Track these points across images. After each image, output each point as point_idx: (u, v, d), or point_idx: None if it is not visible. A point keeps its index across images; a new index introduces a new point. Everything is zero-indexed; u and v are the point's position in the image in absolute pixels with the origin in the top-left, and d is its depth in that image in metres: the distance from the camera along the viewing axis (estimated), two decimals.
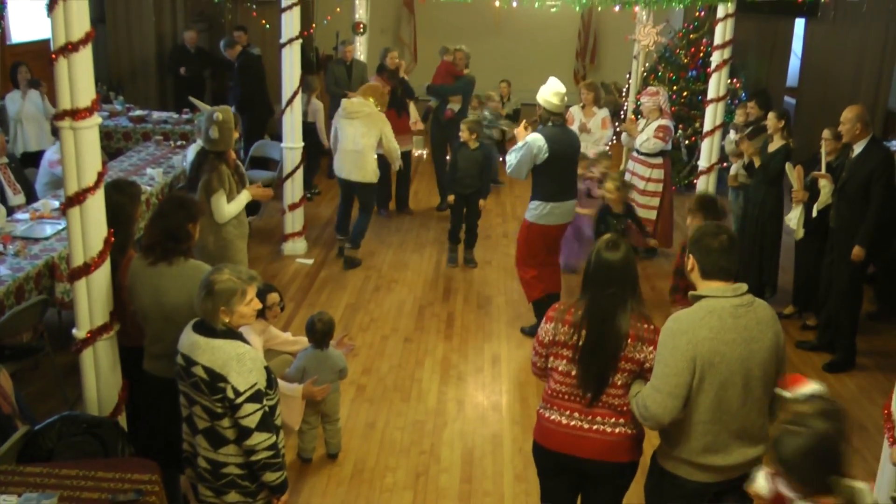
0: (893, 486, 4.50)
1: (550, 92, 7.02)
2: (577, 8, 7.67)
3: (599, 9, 8.72)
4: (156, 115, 11.31)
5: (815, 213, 7.08)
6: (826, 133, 7.30)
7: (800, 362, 7.19)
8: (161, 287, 4.47)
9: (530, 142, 6.91)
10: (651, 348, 3.76)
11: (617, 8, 7.88)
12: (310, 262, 8.98)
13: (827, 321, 7.32)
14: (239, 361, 3.71)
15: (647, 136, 9.03)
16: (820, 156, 7.29)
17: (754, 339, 3.59)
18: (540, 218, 7.14)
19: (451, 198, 8.93)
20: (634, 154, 9.29)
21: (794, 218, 7.36)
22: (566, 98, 7.12)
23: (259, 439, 3.75)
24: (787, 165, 7.40)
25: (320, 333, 5.44)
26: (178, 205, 4.69)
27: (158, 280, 4.48)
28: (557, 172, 7.05)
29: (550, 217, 7.16)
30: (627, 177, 9.37)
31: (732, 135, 8.98)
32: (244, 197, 6.40)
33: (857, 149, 6.82)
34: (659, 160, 9.08)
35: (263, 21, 11.64)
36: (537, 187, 7.14)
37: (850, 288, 7.00)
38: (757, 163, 7.68)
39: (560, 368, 3.91)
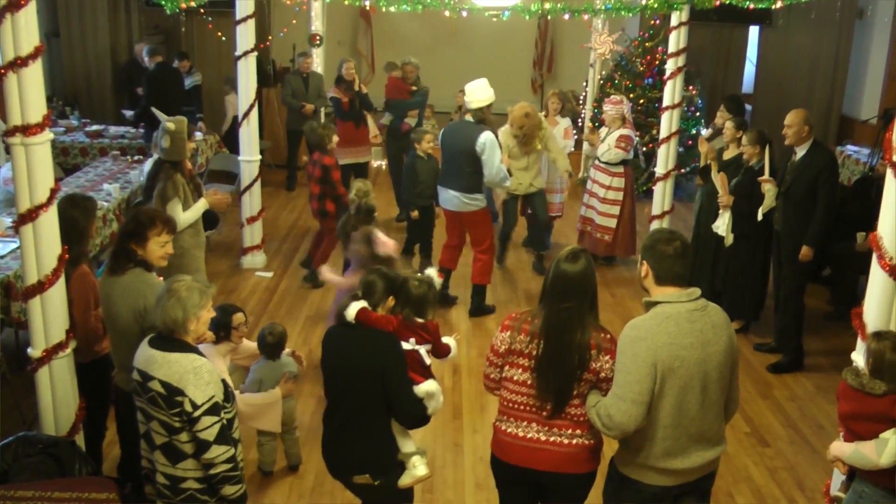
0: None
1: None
2: (528, 17, 7.76)
3: (549, 17, 8.81)
4: (112, 129, 11.24)
5: (760, 217, 7.13)
6: (745, 138, 7.31)
7: (759, 364, 7.28)
8: (111, 297, 4.52)
9: None
10: (608, 357, 3.76)
11: (567, 16, 7.94)
12: (269, 275, 8.94)
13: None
14: (196, 374, 3.69)
15: (608, 145, 9.07)
16: (744, 161, 7.34)
17: (710, 342, 3.62)
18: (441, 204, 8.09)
19: (415, 213, 8.89)
20: (596, 162, 9.32)
21: (721, 225, 7.40)
22: (464, 94, 7.87)
23: (217, 452, 3.72)
24: (713, 171, 7.46)
25: (270, 346, 5.44)
26: (130, 219, 4.73)
27: (110, 290, 4.54)
28: (444, 160, 7.98)
29: (441, 199, 8.04)
30: (588, 185, 9.42)
31: (705, 133, 9.02)
32: (201, 205, 6.42)
33: (800, 152, 6.88)
34: (620, 169, 9.10)
35: (219, 33, 11.59)
36: None
37: (794, 290, 7.08)
38: (714, 167, 7.70)
39: (516, 378, 3.88)
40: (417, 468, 4.34)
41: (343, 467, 4.20)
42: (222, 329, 5.32)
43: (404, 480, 4.30)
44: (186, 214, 6.29)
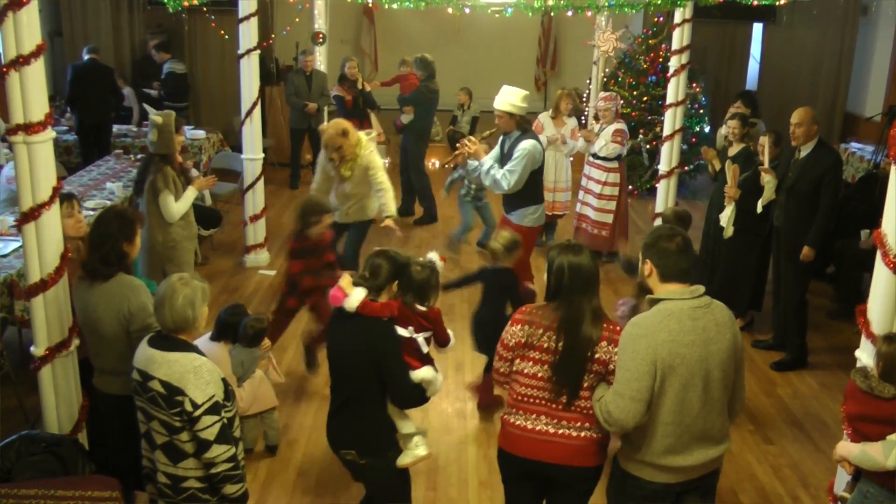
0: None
1: (519, 97, 6.89)
2: (531, 13, 7.68)
3: (552, 14, 8.68)
4: (115, 128, 11.21)
5: (759, 209, 7.10)
6: (763, 140, 7.25)
7: (762, 362, 7.26)
8: (90, 304, 4.44)
9: (531, 149, 6.78)
10: (616, 349, 3.76)
11: (570, 13, 7.89)
12: (272, 273, 8.93)
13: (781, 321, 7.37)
14: (196, 374, 3.68)
15: (604, 140, 9.06)
16: (757, 160, 7.29)
17: (713, 340, 3.60)
18: (535, 221, 7.19)
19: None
20: (590, 159, 9.32)
21: (725, 216, 7.36)
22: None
23: (218, 451, 3.72)
24: (727, 162, 7.41)
25: (250, 338, 5.45)
26: (119, 222, 4.63)
27: (88, 297, 4.46)
28: (541, 174, 7.15)
29: (540, 218, 7.25)
30: (584, 182, 9.42)
31: (724, 129, 9.00)
32: (190, 193, 6.58)
33: (805, 150, 6.84)
34: (615, 164, 9.12)
35: (222, 32, 11.57)
36: (530, 192, 7.02)
37: (796, 288, 7.05)
38: (717, 166, 7.67)
39: (526, 371, 3.88)
40: (418, 448, 4.40)
41: (336, 442, 4.32)
42: (231, 334, 5.40)
43: (404, 460, 4.36)
44: (178, 205, 6.45)
